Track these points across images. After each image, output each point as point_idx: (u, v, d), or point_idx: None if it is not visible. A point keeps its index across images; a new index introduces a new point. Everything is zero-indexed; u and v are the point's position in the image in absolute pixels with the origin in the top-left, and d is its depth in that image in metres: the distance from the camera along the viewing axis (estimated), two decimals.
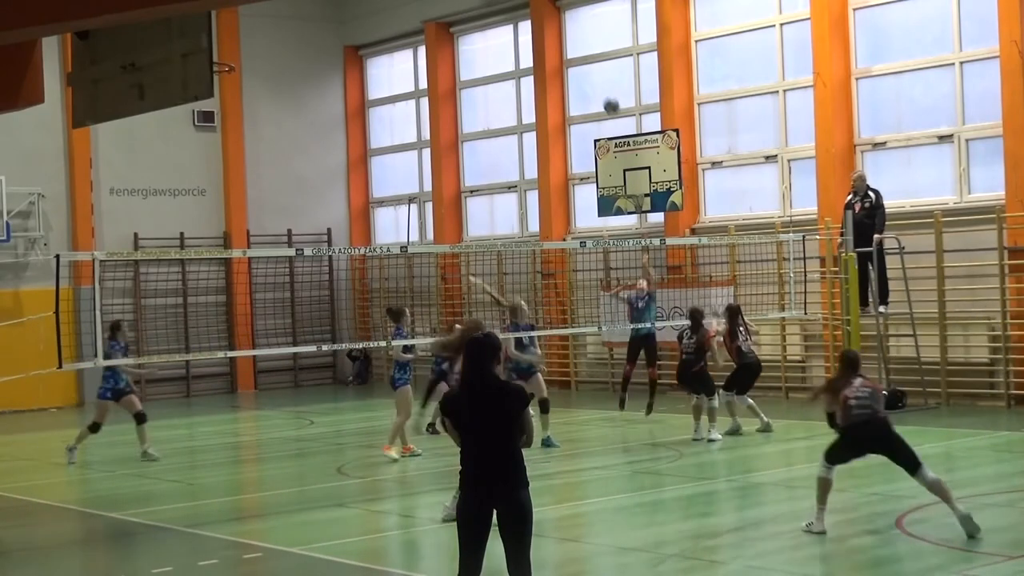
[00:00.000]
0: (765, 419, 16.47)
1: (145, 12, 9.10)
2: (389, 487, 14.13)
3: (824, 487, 10.35)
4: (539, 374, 16.23)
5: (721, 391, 16.50)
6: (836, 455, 10.51)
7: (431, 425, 17.00)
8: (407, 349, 15.43)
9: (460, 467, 7.25)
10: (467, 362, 7.27)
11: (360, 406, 22.62)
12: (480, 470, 7.15)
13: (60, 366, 14.49)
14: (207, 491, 14.20)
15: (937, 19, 19.57)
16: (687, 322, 16.77)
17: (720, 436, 16.04)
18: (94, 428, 16.10)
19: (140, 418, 16.21)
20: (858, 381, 10.39)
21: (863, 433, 10.27)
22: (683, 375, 16.47)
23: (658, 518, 11.65)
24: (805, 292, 19.07)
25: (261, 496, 14.16)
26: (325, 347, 20.90)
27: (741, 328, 16.78)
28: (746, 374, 16.77)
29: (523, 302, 16.72)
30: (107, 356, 14.89)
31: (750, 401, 16.65)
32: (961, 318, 18.95)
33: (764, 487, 13.01)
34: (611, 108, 20.77)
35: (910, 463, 10.16)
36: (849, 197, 18.69)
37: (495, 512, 7.14)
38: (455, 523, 7.27)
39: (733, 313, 16.91)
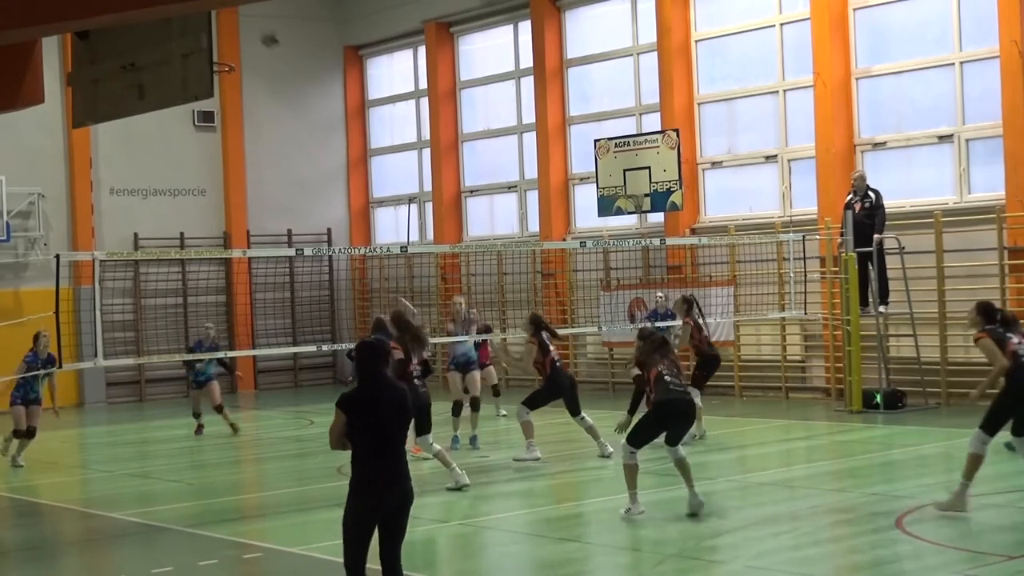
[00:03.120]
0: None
1: (145, 12, 9.08)
2: None
3: (976, 463, 10.39)
4: (478, 371, 16.87)
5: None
6: (1000, 419, 10.46)
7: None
8: None
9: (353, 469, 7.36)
10: (360, 365, 7.45)
11: None
12: (379, 470, 7.32)
13: (60, 366, 14.50)
14: (207, 491, 14.21)
15: (937, 19, 19.57)
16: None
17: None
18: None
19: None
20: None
21: None
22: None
23: (658, 518, 11.64)
24: (805, 292, 19.07)
25: (261, 496, 14.16)
26: (325, 347, 20.88)
27: (701, 320, 15.79)
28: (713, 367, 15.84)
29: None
30: None
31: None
32: (961, 318, 18.80)
33: (764, 487, 12.99)
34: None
35: None
36: (849, 197, 18.70)
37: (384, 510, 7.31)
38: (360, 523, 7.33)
39: (690, 303, 15.75)
